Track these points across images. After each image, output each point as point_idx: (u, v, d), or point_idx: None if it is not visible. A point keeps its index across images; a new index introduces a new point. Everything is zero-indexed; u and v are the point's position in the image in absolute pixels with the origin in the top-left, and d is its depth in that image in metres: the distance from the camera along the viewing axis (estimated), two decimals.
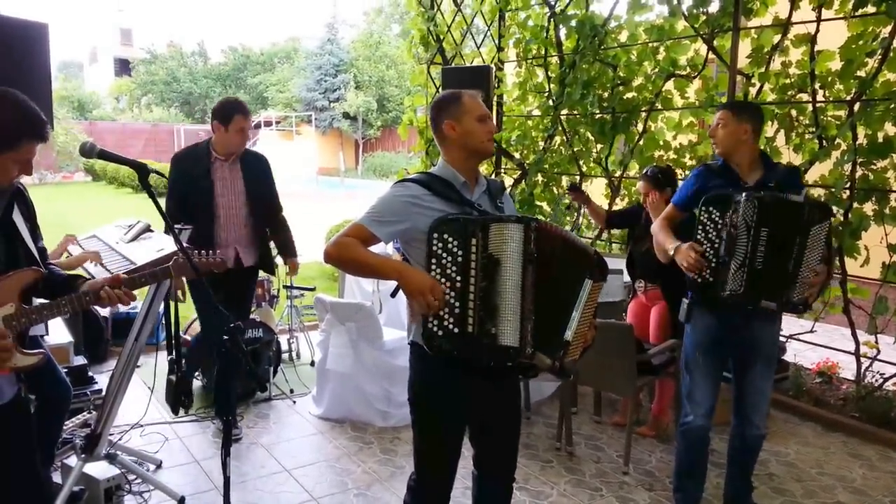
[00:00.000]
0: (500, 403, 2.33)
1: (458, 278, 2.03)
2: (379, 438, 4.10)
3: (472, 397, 2.23)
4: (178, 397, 3.74)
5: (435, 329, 2.05)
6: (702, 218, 2.89)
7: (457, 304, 2.03)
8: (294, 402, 4.67)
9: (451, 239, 2.04)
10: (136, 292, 2.26)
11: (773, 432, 4.30)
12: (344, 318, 4.33)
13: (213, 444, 3.98)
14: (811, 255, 2.82)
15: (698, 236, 2.90)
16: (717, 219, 2.86)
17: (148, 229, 3.76)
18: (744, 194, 2.81)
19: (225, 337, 2.18)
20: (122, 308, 5.53)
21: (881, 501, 3.49)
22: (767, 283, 2.83)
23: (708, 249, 2.87)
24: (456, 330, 2.04)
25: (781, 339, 5.00)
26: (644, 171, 4.26)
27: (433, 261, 2.05)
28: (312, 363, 5.29)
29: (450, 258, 2.04)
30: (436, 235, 2.05)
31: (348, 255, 2.13)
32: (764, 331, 3.03)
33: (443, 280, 2.03)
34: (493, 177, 6.70)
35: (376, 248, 2.24)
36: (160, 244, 3.44)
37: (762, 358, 3.04)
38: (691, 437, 3.10)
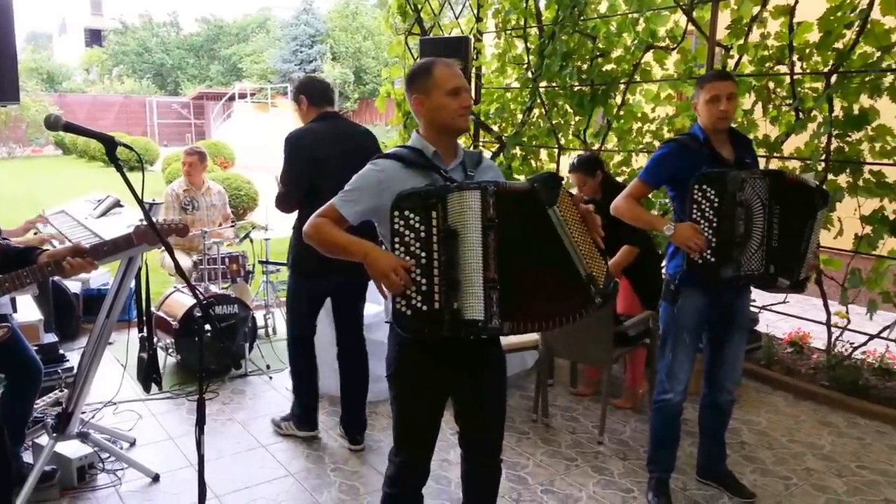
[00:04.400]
0: (484, 380, 2.28)
1: (423, 254, 1.97)
2: None
3: (452, 374, 2.20)
4: (149, 375, 3.69)
5: (403, 309, 1.98)
6: (696, 196, 2.80)
7: (423, 281, 1.97)
8: (270, 377, 4.64)
9: (411, 215, 1.97)
10: (107, 269, 2.21)
11: (745, 401, 4.36)
12: None
13: (188, 421, 3.95)
14: (815, 237, 2.88)
15: (694, 215, 2.81)
16: (712, 197, 2.79)
17: (118, 204, 3.68)
18: (744, 172, 2.81)
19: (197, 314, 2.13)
20: (93, 284, 5.53)
21: (848, 467, 3.56)
22: (782, 261, 2.85)
23: (706, 229, 2.80)
24: (424, 307, 1.97)
25: (754, 309, 5.07)
26: (571, 162, 4.26)
27: (396, 240, 1.98)
28: None
29: (412, 234, 1.97)
30: (396, 213, 1.97)
31: (319, 234, 2.12)
32: (743, 301, 3.12)
33: (408, 258, 1.97)
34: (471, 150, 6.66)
35: None
36: (130, 220, 3.36)
37: (740, 327, 3.11)
38: (670, 413, 3.12)
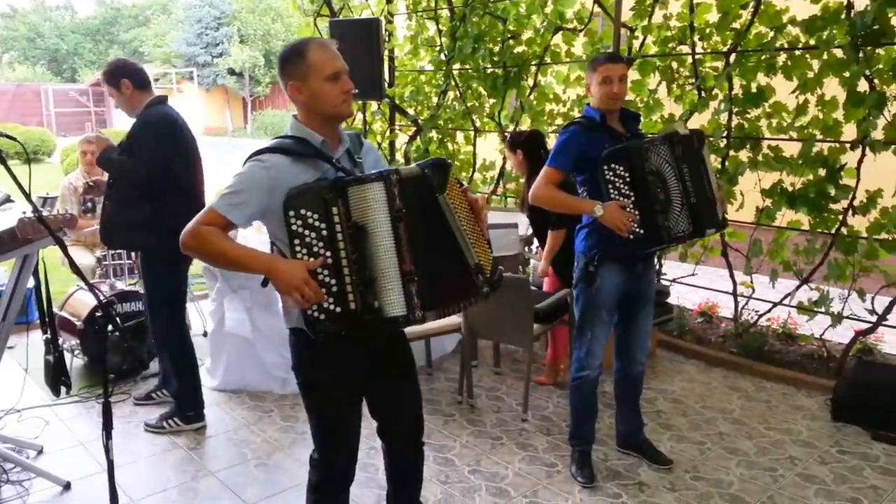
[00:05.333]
0: (394, 371, 2.25)
1: (328, 254, 1.84)
2: (279, 406, 4.02)
3: (364, 372, 2.15)
4: (57, 378, 3.49)
5: (316, 314, 1.86)
6: (608, 176, 2.84)
7: (333, 282, 1.85)
8: None
9: (309, 213, 1.83)
10: (4, 267, 2.06)
11: (659, 371, 4.54)
12: (237, 286, 4.17)
13: (99, 425, 3.69)
14: (711, 175, 3.00)
15: (612, 195, 2.85)
16: (622, 173, 2.84)
17: (8, 199, 3.44)
18: (644, 142, 2.89)
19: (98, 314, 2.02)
20: None
21: (757, 429, 3.76)
22: (703, 213, 2.94)
23: (626, 204, 2.86)
24: (338, 310, 1.85)
25: (666, 283, 5.26)
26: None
27: (296, 241, 1.84)
28: (205, 334, 5.08)
29: (314, 234, 1.84)
30: (292, 213, 1.83)
31: (206, 247, 1.90)
32: (650, 273, 3.21)
33: (312, 260, 1.84)
34: (388, 134, 6.59)
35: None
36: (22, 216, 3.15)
37: (649, 298, 3.22)
38: (588, 388, 3.20)
